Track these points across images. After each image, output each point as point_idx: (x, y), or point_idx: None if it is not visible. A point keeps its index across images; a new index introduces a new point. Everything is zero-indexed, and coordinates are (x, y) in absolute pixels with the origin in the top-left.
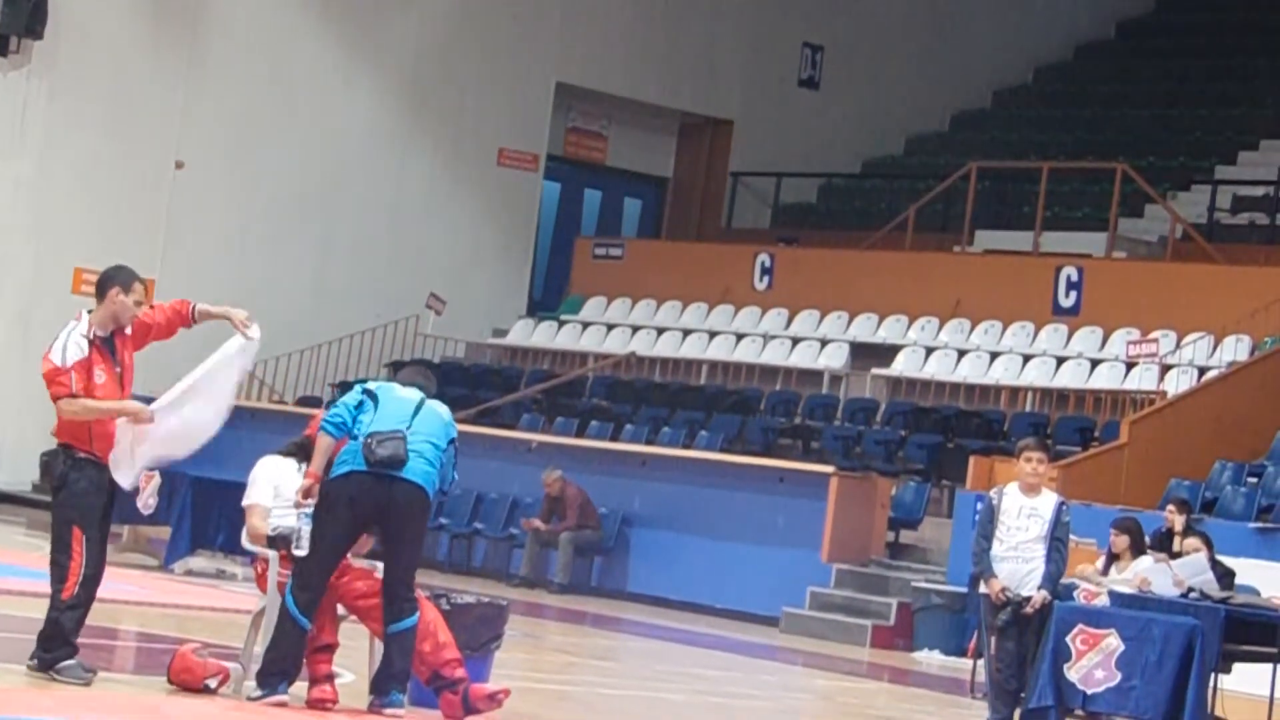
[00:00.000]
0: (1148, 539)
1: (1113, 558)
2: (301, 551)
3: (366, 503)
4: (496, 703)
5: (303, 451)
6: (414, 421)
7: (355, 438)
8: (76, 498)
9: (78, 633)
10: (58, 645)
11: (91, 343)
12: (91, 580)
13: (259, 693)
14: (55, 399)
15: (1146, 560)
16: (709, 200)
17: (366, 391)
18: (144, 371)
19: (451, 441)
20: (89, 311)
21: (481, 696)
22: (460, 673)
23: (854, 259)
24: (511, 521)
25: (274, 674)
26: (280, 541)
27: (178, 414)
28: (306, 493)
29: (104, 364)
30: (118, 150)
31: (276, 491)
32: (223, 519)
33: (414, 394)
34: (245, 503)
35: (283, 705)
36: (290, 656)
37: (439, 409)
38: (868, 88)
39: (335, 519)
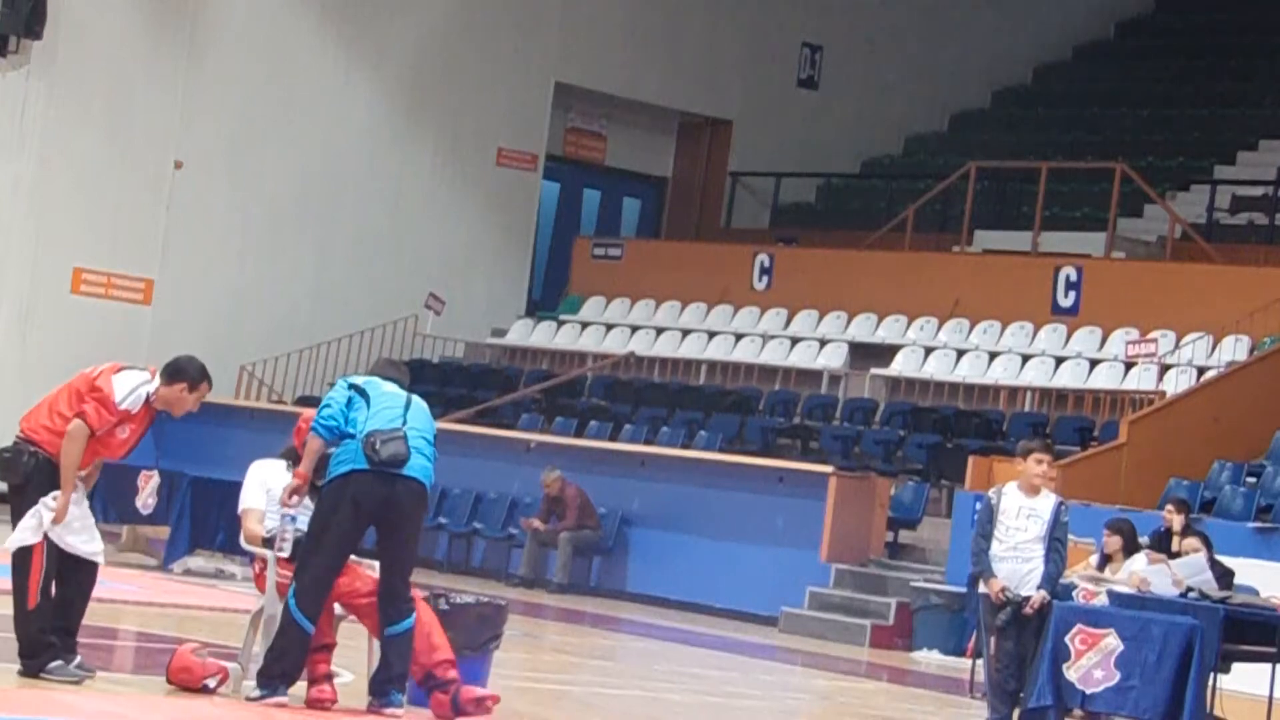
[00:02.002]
0: (1147, 539)
1: (1105, 559)
2: (284, 553)
3: (370, 502)
4: (485, 709)
5: (292, 456)
6: (407, 417)
7: (352, 436)
8: (35, 502)
9: (50, 631)
10: (39, 652)
11: (146, 401)
12: (51, 584)
13: (258, 693)
14: (80, 415)
15: (1140, 560)
16: (708, 200)
17: (354, 387)
18: None
19: (435, 438)
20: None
21: (470, 699)
22: (452, 674)
23: (853, 259)
24: (510, 521)
25: (275, 675)
26: (276, 543)
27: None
28: (294, 492)
29: (135, 426)
30: (117, 150)
31: (269, 494)
32: (222, 519)
33: (399, 389)
34: (240, 508)
35: (282, 705)
36: (292, 659)
37: (424, 405)
38: (867, 88)
39: (339, 520)
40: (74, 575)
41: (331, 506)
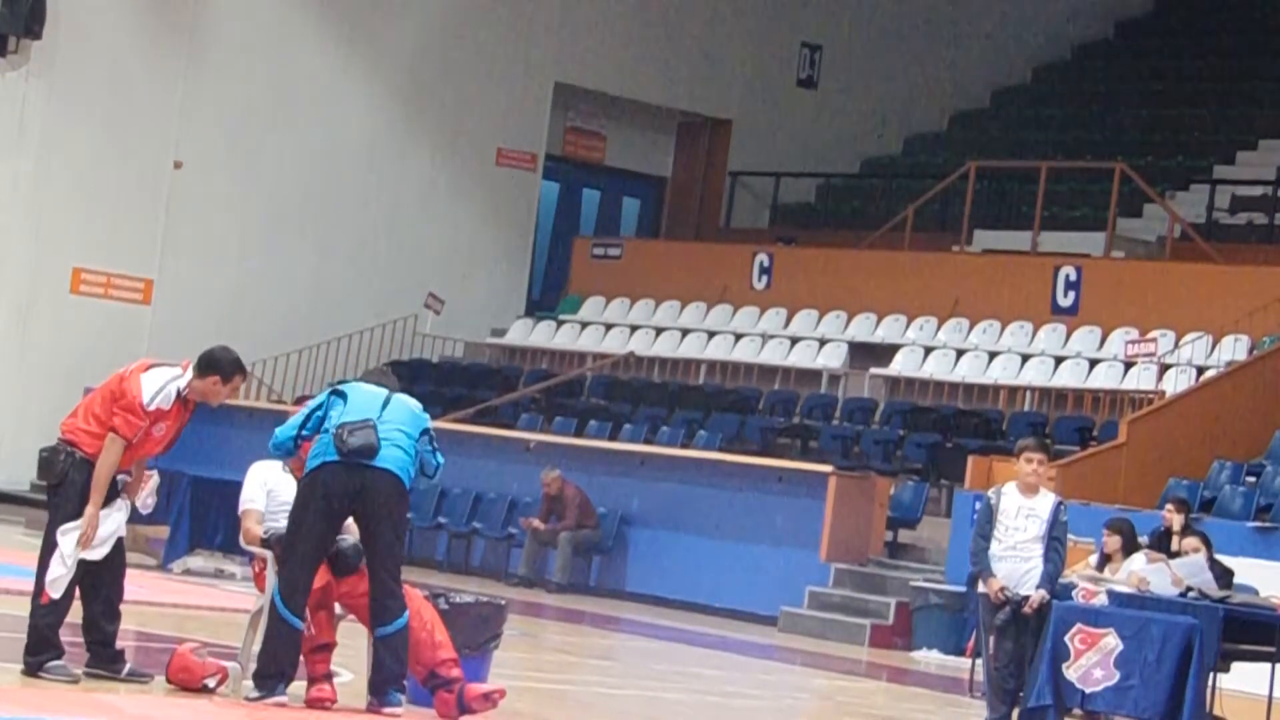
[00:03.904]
0: (1146, 538)
1: (1105, 558)
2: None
3: (341, 493)
4: (491, 703)
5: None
6: (383, 412)
7: (327, 431)
8: (71, 501)
9: (57, 633)
10: (42, 650)
11: (178, 396)
12: (71, 585)
13: (256, 694)
14: (114, 429)
15: (1139, 559)
16: (707, 200)
17: (335, 391)
18: None
19: (425, 432)
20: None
21: (476, 696)
22: (456, 672)
23: (852, 258)
24: (510, 521)
25: (270, 675)
26: (274, 543)
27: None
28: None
29: (170, 422)
30: (116, 150)
31: (269, 494)
32: (221, 519)
33: (381, 390)
34: (240, 508)
35: (281, 705)
36: (285, 657)
37: (409, 401)
38: (866, 87)
39: (313, 513)
40: (95, 585)
41: (305, 500)
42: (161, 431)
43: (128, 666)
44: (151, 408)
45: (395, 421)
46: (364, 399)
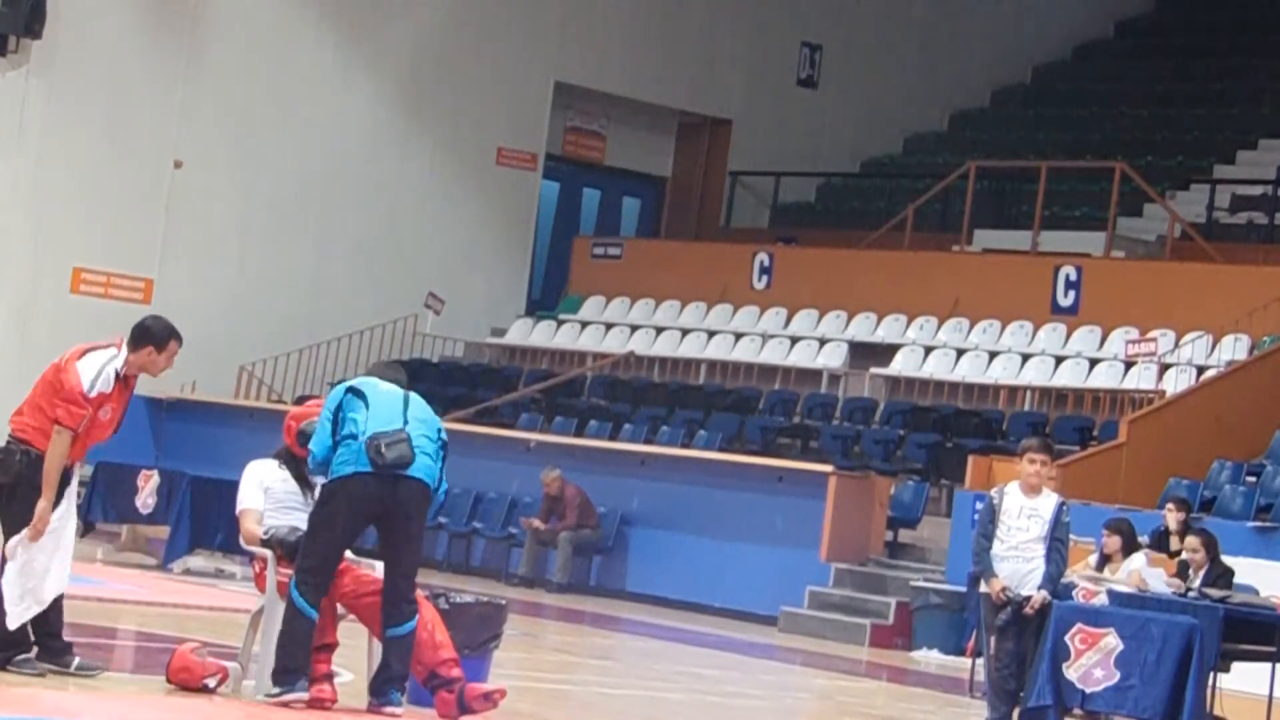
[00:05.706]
0: (1146, 538)
1: (1105, 558)
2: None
3: (372, 503)
4: (492, 703)
5: (284, 455)
6: (407, 415)
7: (355, 437)
8: (29, 500)
9: (27, 633)
10: (8, 647)
11: (117, 377)
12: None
13: (277, 690)
14: (57, 421)
15: (1140, 559)
16: (708, 199)
17: (351, 390)
18: None
19: (441, 434)
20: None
21: (476, 696)
22: (456, 672)
23: (852, 258)
24: (510, 521)
25: (290, 670)
26: (274, 543)
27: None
28: None
29: (114, 404)
30: (116, 149)
31: (267, 493)
32: (221, 518)
33: (397, 389)
34: (238, 508)
35: (283, 705)
36: (303, 650)
37: (422, 401)
38: (866, 87)
39: (338, 516)
40: None
41: (332, 505)
42: (107, 415)
43: (76, 660)
44: (93, 394)
45: (420, 427)
46: (386, 402)
